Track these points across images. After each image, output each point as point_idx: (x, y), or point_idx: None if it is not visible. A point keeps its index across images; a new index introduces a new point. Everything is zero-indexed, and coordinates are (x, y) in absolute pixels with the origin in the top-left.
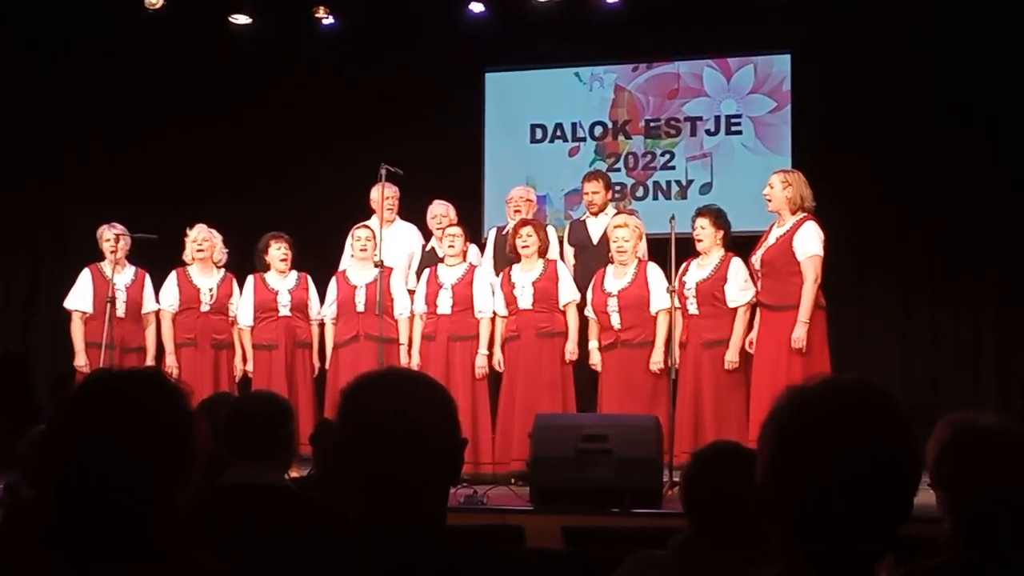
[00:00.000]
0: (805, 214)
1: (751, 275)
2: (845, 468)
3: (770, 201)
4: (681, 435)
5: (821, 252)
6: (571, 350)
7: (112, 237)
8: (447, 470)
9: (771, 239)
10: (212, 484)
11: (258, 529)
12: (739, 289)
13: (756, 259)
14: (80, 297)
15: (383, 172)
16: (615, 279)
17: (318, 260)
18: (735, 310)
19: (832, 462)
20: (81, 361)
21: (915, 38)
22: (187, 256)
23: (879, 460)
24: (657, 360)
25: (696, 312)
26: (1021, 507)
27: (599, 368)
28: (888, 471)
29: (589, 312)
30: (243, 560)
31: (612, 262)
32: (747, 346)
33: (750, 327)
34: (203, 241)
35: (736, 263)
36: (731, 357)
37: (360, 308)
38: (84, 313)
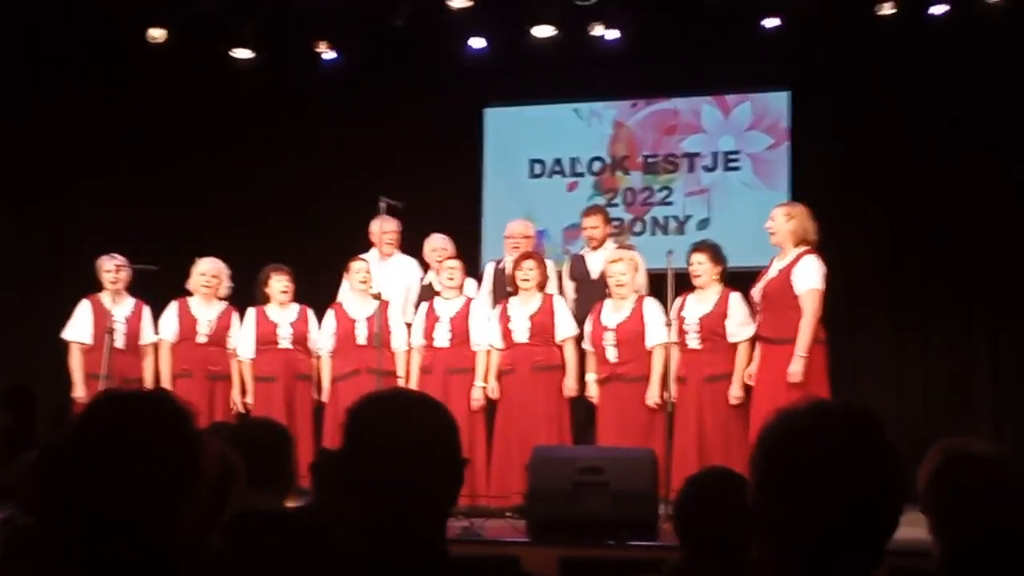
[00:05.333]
0: (807, 247)
1: (751, 309)
2: (830, 486)
3: (773, 234)
4: (684, 469)
5: (821, 286)
6: (570, 387)
7: (112, 268)
8: (449, 490)
9: (772, 272)
10: (224, 502)
11: (255, 556)
12: (739, 324)
13: (756, 292)
14: (79, 328)
15: (383, 205)
16: (613, 313)
17: (317, 292)
18: (736, 345)
19: (817, 481)
20: (80, 392)
21: (911, 75)
22: (191, 286)
23: (862, 478)
24: (653, 395)
25: (698, 347)
26: (1008, 533)
27: (596, 401)
28: (872, 488)
29: (587, 345)
30: None
31: (611, 296)
32: (746, 378)
33: (750, 361)
34: (212, 277)
35: (736, 298)
36: (735, 392)
37: (359, 341)
38: (83, 344)
